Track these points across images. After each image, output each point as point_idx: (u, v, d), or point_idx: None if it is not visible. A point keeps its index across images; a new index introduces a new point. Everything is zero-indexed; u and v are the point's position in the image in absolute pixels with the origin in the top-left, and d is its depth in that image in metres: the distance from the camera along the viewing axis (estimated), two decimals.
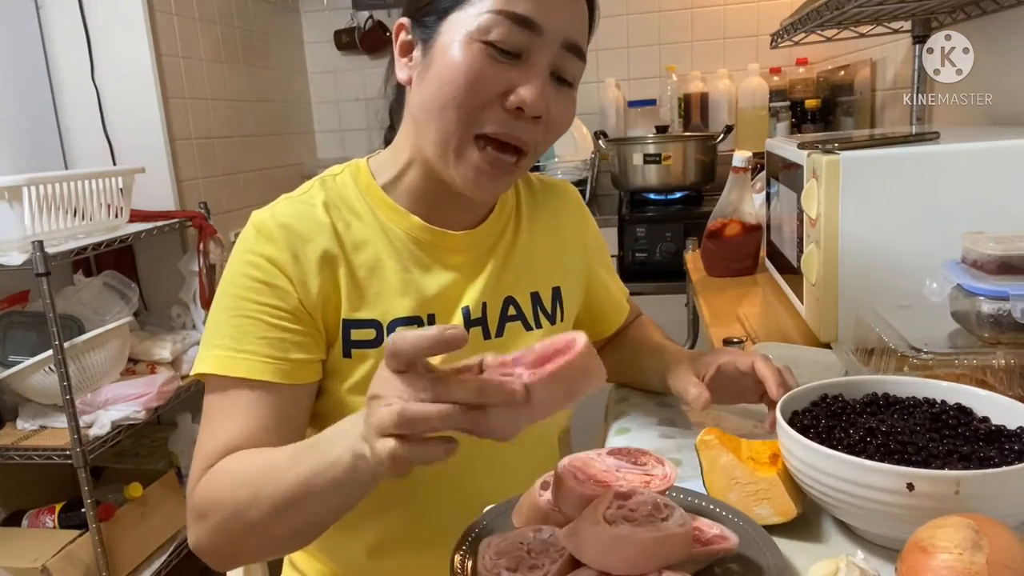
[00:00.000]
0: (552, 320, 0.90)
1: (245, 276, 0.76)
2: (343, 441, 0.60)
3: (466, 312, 0.83)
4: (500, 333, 0.86)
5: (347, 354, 0.79)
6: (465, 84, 0.72)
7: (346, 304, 0.78)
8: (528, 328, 0.88)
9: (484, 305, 0.85)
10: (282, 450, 0.69)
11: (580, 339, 0.53)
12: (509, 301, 0.87)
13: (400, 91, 0.85)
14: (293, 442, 0.73)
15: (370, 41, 2.94)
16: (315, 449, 0.63)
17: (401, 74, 0.79)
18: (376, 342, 0.79)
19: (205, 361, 0.75)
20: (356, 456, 0.58)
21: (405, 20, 0.79)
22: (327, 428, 0.64)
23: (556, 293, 0.92)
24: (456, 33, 0.73)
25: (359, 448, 0.57)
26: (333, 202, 0.81)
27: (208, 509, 0.71)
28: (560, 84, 0.76)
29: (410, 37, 0.78)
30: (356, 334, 0.79)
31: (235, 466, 0.71)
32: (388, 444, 0.51)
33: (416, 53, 0.78)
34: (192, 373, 0.78)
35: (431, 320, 0.82)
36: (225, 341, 0.75)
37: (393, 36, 0.80)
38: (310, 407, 0.80)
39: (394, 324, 0.80)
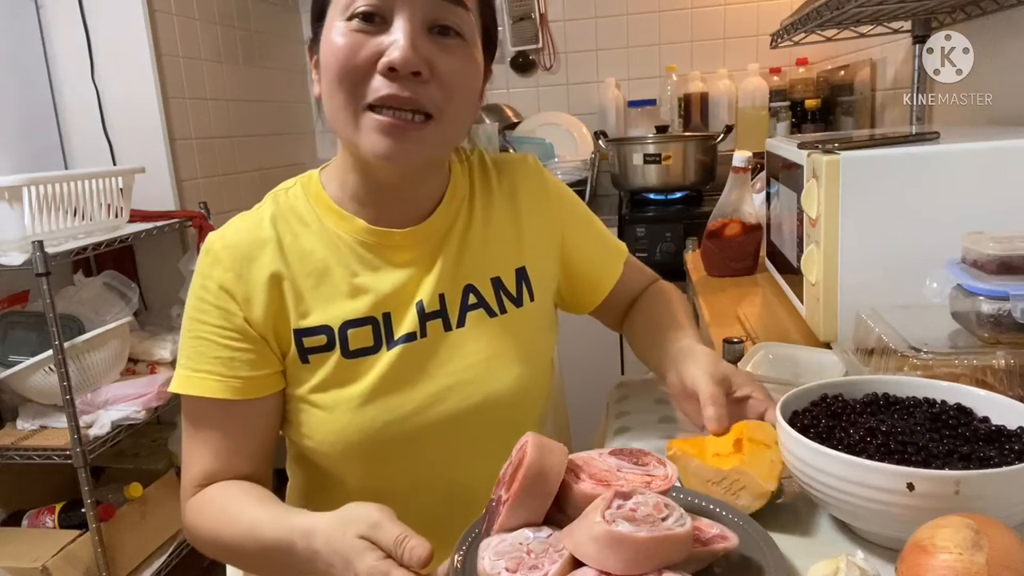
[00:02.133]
0: (518, 303, 0.89)
1: (198, 298, 0.82)
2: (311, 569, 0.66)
3: (420, 307, 0.84)
4: (462, 323, 0.86)
5: (304, 360, 0.82)
6: (338, 63, 0.74)
7: (294, 315, 0.81)
8: (492, 314, 0.87)
9: (442, 297, 0.85)
10: (260, 531, 0.72)
11: (528, 446, 0.59)
12: (469, 289, 0.87)
13: None
14: (262, 454, 0.83)
15: None
16: (288, 556, 0.68)
17: (315, 89, 0.81)
18: (329, 346, 0.81)
19: (176, 378, 0.82)
20: None
21: (308, 39, 0.82)
22: (308, 539, 0.66)
23: (521, 274, 0.90)
24: (329, 25, 0.76)
25: None
26: (282, 215, 0.84)
27: (194, 533, 0.81)
28: (444, 36, 0.75)
29: (314, 54, 0.81)
30: (308, 341, 0.81)
31: (216, 513, 0.78)
32: None
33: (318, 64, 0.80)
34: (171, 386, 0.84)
35: (386, 319, 0.83)
36: (185, 360, 0.82)
37: (309, 60, 0.83)
38: (275, 417, 0.84)
39: (346, 327, 0.81)
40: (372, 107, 0.74)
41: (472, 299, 0.87)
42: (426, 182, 0.86)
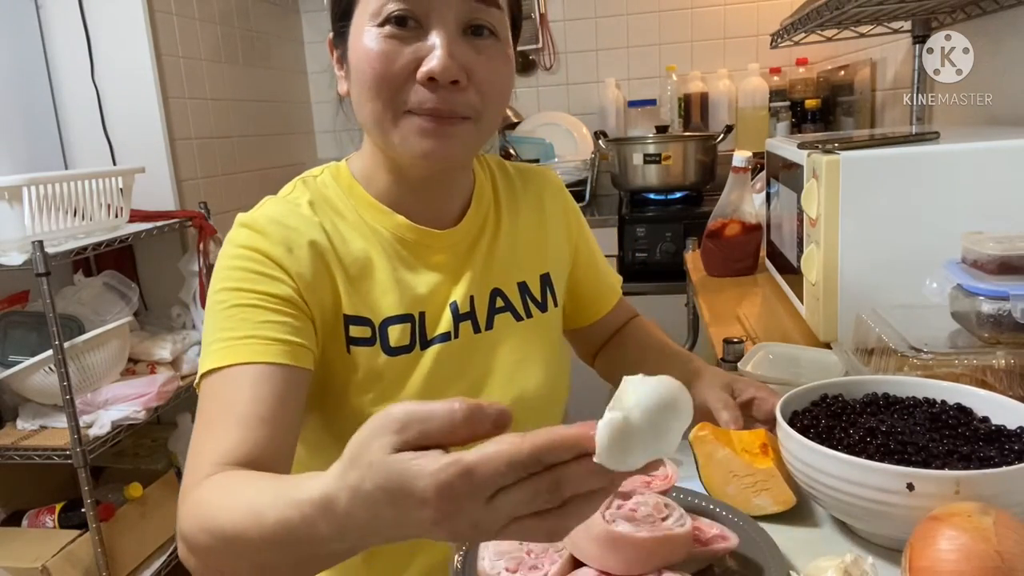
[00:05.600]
0: (543, 308, 0.90)
1: (239, 269, 0.74)
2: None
3: (454, 307, 0.83)
4: (490, 326, 0.86)
5: (348, 349, 0.78)
6: (373, 71, 0.72)
7: (344, 299, 0.78)
8: (518, 319, 0.88)
9: (472, 299, 0.84)
10: (262, 513, 0.53)
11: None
12: (496, 293, 0.87)
13: None
14: (291, 433, 0.70)
15: None
16: (308, 542, 0.51)
17: (340, 88, 0.80)
18: (371, 341, 0.79)
19: (206, 359, 0.71)
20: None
21: (331, 35, 0.80)
22: (329, 507, 0.47)
23: (545, 280, 0.91)
24: (359, 28, 0.74)
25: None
26: (318, 201, 0.81)
27: (190, 539, 0.60)
28: (478, 37, 0.73)
29: (338, 51, 0.80)
30: (354, 331, 0.78)
31: (220, 499, 0.59)
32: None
33: (345, 63, 0.79)
34: (198, 377, 0.72)
35: (421, 318, 0.82)
36: (218, 335, 0.71)
37: (329, 55, 0.82)
38: (304, 400, 0.76)
39: (385, 324, 0.79)
40: (410, 111, 0.73)
41: (499, 303, 0.87)
42: (455, 183, 0.86)
